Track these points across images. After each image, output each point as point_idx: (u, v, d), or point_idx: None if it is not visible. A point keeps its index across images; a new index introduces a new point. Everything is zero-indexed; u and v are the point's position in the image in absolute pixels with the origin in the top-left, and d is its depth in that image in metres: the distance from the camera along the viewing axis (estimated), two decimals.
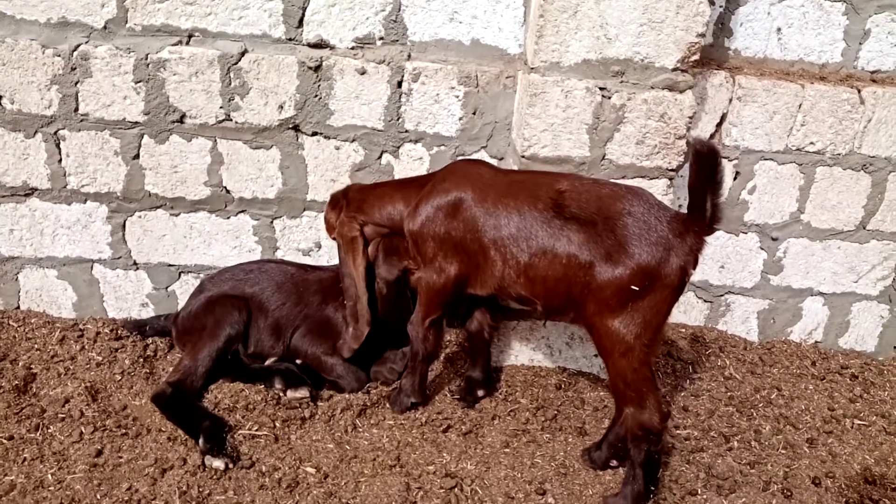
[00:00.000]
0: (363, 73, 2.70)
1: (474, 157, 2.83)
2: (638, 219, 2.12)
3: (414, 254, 2.53)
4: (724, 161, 2.95)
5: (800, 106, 2.86)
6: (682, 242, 2.09)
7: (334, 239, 2.72)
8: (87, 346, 2.88)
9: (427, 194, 2.45)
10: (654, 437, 2.22)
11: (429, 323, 2.53)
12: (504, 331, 2.92)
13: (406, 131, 2.82)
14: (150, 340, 2.91)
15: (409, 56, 2.73)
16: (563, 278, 2.21)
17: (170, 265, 3.00)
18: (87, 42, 2.62)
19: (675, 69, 2.46)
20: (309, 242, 2.99)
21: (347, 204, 2.64)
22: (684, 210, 2.14)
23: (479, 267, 2.39)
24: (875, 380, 3.20)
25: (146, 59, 2.64)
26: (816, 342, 3.35)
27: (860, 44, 2.97)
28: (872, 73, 3.02)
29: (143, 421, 2.54)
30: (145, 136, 2.77)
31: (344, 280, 2.66)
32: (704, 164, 1.99)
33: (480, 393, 2.78)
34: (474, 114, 2.79)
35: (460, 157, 2.84)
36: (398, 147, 2.85)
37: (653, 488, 2.31)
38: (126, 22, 2.62)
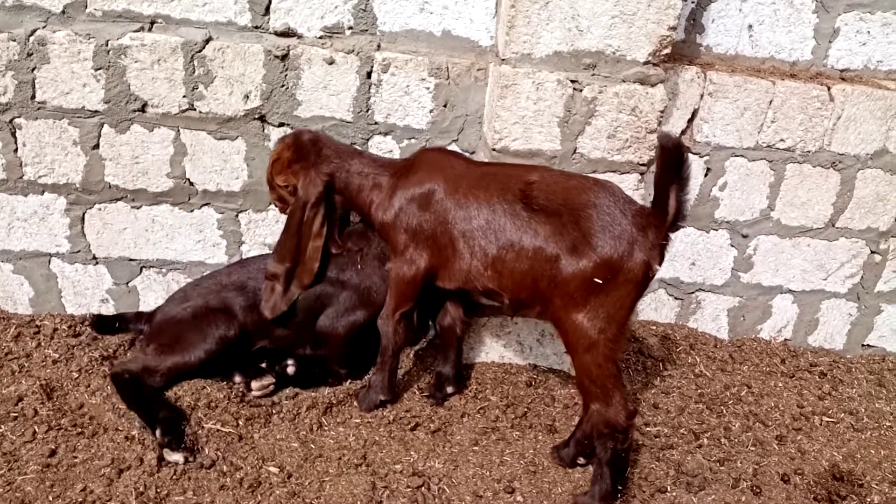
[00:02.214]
0: (332, 63, 2.64)
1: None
2: (603, 211, 2.10)
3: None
4: (695, 157, 2.95)
5: (770, 103, 2.87)
6: (645, 237, 2.07)
7: (281, 185, 2.55)
8: (43, 343, 2.79)
9: (399, 185, 2.41)
10: (619, 435, 2.20)
11: (399, 315, 2.49)
12: (475, 327, 2.88)
13: (375, 123, 2.77)
14: (108, 338, 2.81)
15: (379, 46, 2.68)
16: (529, 271, 2.19)
17: (131, 259, 2.91)
18: (44, 27, 2.53)
19: (646, 62, 2.44)
20: (276, 237, 2.92)
21: (318, 160, 2.49)
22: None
23: (447, 259, 2.36)
24: (843, 377, 3.21)
25: (107, 45, 2.55)
26: (786, 340, 3.36)
27: (830, 42, 2.98)
28: (842, 70, 3.04)
29: (99, 420, 2.46)
30: (105, 126, 2.68)
31: (286, 238, 2.54)
32: (670, 159, 1.97)
33: (450, 389, 2.73)
34: (445, 106, 2.75)
35: (429, 147, 2.78)
36: (367, 139, 2.80)
37: (621, 487, 2.28)
38: (86, 7, 2.54)
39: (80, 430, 2.39)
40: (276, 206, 2.70)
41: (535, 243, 2.17)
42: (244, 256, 2.94)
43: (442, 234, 2.34)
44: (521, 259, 2.20)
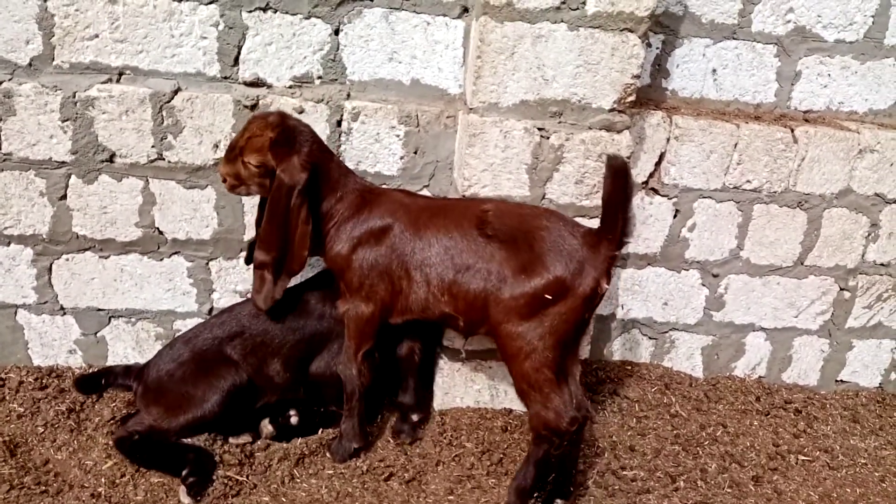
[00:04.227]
0: (301, 112, 2.65)
1: None
2: (554, 234, 2.22)
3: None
4: (664, 199, 2.98)
5: (735, 145, 2.92)
6: (597, 256, 2.18)
7: (254, 164, 2.31)
8: (7, 397, 2.72)
9: (358, 217, 2.40)
10: (556, 439, 2.27)
11: (362, 356, 2.49)
12: (448, 373, 2.86)
13: None
14: (74, 393, 2.74)
15: (349, 95, 2.70)
16: (482, 291, 2.27)
17: (99, 309, 2.87)
18: (10, 79, 2.52)
19: (611, 110, 2.48)
20: (247, 284, 2.90)
21: (303, 148, 2.31)
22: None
23: (401, 293, 2.40)
24: (818, 414, 3.22)
25: (74, 97, 2.55)
26: (760, 377, 3.38)
27: (792, 84, 3.05)
28: (805, 112, 3.10)
29: (65, 476, 2.40)
30: (73, 176, 2.66)
31: (272, 227, 2.36)
32: (618, 179, 2.08)
33: (415, 418, 2.74)
34: (416, 153, 2.77)
35: (391, 187, 2.76)
36: None
37: (536, 494, 2.35)
38: (53, 59, 2.54)
39: (44, 487, 2.33)
40: (226, 181, 2.40)
41: (490, 266, 2.26)
42: (215, 304, 2.91)
43: (398, 267, 2.37)
44: (476, 281, 2.28)
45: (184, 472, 2.34)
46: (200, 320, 2.91)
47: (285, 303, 2.56)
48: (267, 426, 2.63)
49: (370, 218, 2.39)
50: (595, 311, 2.38)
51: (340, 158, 2.64)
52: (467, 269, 2.29)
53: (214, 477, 2.38)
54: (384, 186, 2.70)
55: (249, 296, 2.72)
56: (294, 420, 2.66)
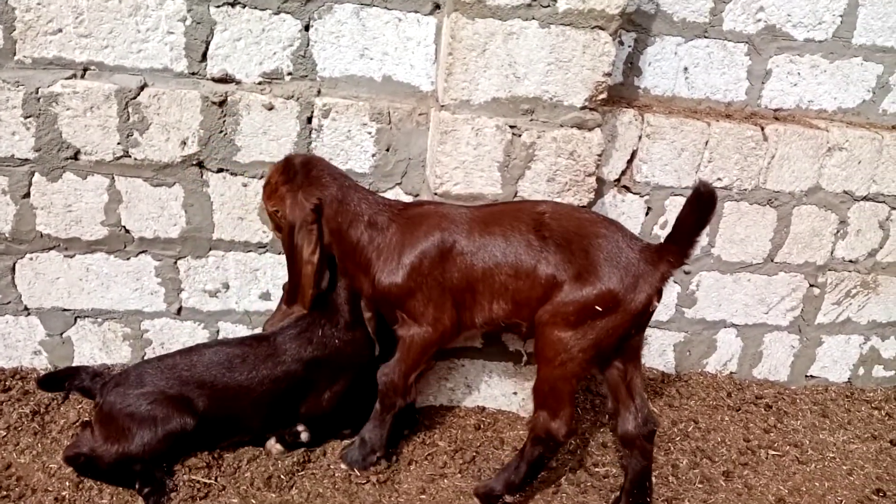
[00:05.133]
0: (271, 108, 2.62)
1: (389, 193, 2.76)
2: (611, 243, 2.18)
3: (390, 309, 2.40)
4: (636, 197, 2.99)
5: (706, 143, 2.93)
6: (654, 272, 2.15)
7: (270, 210, 2.41)
8: None
9: (406, 241, 2.28)
10: (552, 445, 2.30)
11: (413, 378, 2.43)
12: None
13: None
14: (40, 393, 2.70)
15: (319, 92, 2.67)
16: (542, 297, 2.22)
17: (65, 310, 2.81)
18: None
19: (583, 107, 2.48)
20: (216, 283, 2.86)
21: (307, 183, 2.32)
22: None
23: (465, 307, 2.33)
24: (788, 409, 3.26)
25: (37, 92, 2.49)
26: (731, 373, 3.41)
27: (763, 83, 3.07)
28: (775, 110, 3.13)
29: (28, 480, 2.35)
30: (36, 174, 2.60)
31: (288, 267, 2.41)
32: (702, 204, 2.05)
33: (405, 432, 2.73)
34: (388, 150, 2.74)
35: (422, 199, 2.70)
36: None
37: (524, 490, 2.40)
38: (14, 54, 2.47)
39: (5, 492, 2.28)
40: (275, 235, 2.57)
41: (548, 271, 2.20)
42: (184, 304, 2.87)
43: (459, 282, 2.29)
44: (535, 287, 2.22)
45: (137, 485, 2.29)
46: (169, 320, 2.88)
47: (260, 348, 2.51)
48: (275, 446, 2.54)
49: (418, 239, 2.27)
50: (646, 326, 2.35)
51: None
52: (528, 276, 2.22)
53: (173, 482, 2.33)
54: (418, 199, 2.61)
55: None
56: (305, 437, 2.57)
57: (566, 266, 2.18)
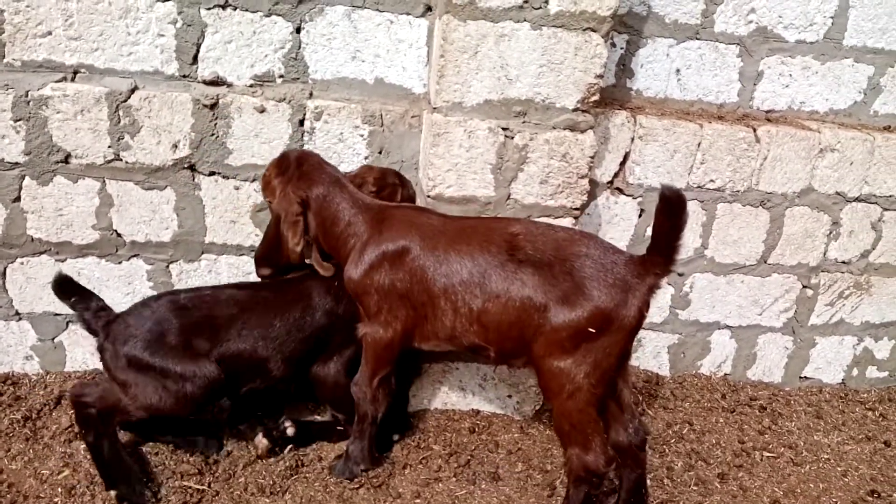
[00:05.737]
0: (262, 111, 2.61)
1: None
2: (596, 261, 2.10)
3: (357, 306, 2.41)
4: (629, 199, 2.99)
5: (699, 145, 2.93)
6: (642, 284, 2.08)
7: (268, 201, 2.48)
8: None
9: (371, 241, 2.30)
10: (596, 480, 2.20)
11: (378, 382, 2.40)
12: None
13: None
14: (32, 399, 2.68)
15: (311, 94, 2.67)
16: (516, 322, 2.16)
17: (56, 314, 2.79)
18: None
19: (575, 109, 2.48)
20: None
21: (298, 177, 2.36)
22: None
23: (426, 319, 2.29)
24: (783, 410, 3.26)
25: (26, 96, 2.48)
26: (726, 375, 3.41)
27: (754, 84, 3.08)
28: (767, 112, 3.14)
29: (19, 487, 2.33)
30: (27, 178, 2.58)
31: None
32: (671, 207, 2.00)
33: (395, 437, 2.70)
34: (380, 153, 2.74)
35: (406, 205, 2.65)
36: None
37: None
38: (3, 57, 2.46)
39: None
40: None
41: (523, 293, 2.13)
42: None
43: (419, 293, 2.26)
44: (507, 310, 2.16)
45: (113, 493, 2.26)
46: None
47: (290, 293, 2.52)
48: (262, 441, 2.54)
49: (383, 240, 2.28)
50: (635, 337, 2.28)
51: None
52: (497, 298, 2.16)
53: (154, 491, 2.32)
54: (404, 204, 2.59)
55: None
56: (290, 431, 2.57)
57: (547, 289, 2.11)
